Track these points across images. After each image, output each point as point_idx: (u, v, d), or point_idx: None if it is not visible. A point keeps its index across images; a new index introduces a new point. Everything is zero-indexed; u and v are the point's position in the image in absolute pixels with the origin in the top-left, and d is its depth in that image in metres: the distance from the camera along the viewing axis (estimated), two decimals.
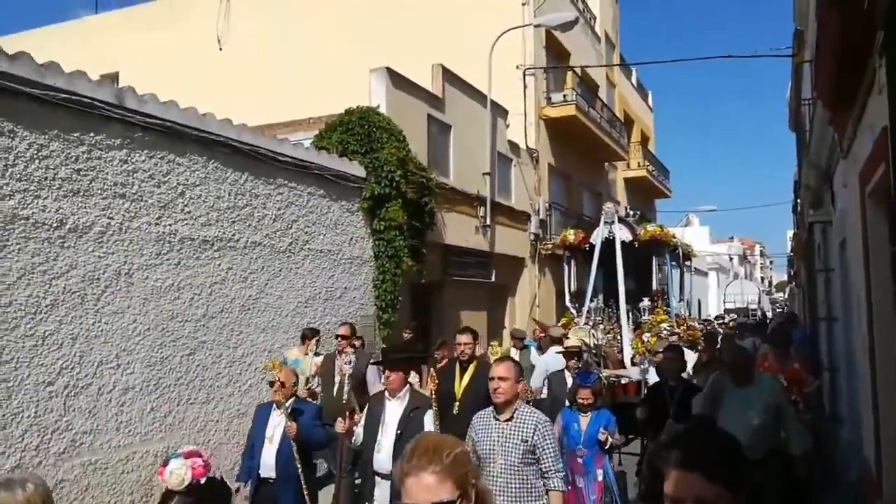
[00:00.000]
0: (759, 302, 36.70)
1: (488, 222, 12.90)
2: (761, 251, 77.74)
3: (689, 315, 14.41)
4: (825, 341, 9.19)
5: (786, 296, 48.63)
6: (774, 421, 5.07)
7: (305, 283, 8.36)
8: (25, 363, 5.22)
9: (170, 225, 6.51)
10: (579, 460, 5.39)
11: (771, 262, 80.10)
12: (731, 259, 51.79)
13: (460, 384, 5.73)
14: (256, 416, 5.12)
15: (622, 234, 11.62)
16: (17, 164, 5.24)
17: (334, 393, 6.79)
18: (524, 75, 15.59)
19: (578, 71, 17.86)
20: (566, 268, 13.21)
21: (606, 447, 5.42)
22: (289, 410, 4.85)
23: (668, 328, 10.77)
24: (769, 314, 31.21)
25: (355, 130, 9.47)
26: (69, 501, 5.41)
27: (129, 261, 6.09)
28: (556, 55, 17.46)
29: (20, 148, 5.27)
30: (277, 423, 4.85)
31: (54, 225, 5.48)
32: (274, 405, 4.92)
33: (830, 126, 5.72)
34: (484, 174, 12.88)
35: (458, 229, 12.01)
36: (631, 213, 12.75)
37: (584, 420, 5.48)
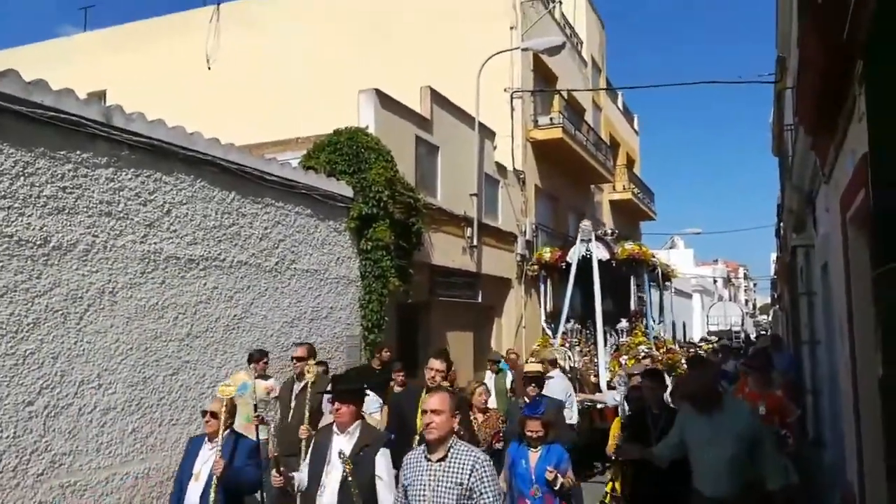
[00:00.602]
0: (743, 324, 36.91)
1: (475, 243, 12.94)
2: (745, 274, 78.39)
3: (669, 338, 14.10)
4: (808, 364, 9.26)
5: (769, 318, 48.98)
6: (748, 453, 4.47)
7: (291, 302, 8.32)
8: (5, 382, 5.14)
9: (155, 243, 6.48)
10: (528, 502, 4.83)
11: (755, 285, 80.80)
12: (715, 281, 52.17)
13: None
14: (187, 449, 4.66)
15: (599, 252, 11.36)
16: (1, 182, 5.20)
17: (289, 419, 6.32)
18: (512, 98, 15.74)
19: (565, 94, 18.06)
20: (542, 287, 12.95)
21: (556, 488, 4.75)
22: (219, 446, 4.38)
23: (645, 350, 10.40)
24: (752, 336, 31.34)
25: (343, 150, 9.50)
26: None
27: (114, 279, 6.04)
28: (544, 78, 17.66)
29: (6, 165, 5.23)
30: (206, 459, 4.38)
31: (38, 242, 5.43)
32: (206, 438, 4.48)
33: (812, 151, 5.81)
34: (471, 195, 12.94)
35: (446, 250, 12.02)
36: (609, 231, 12.39)
37: (534, 456, 4.91)
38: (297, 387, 6.45)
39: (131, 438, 6.07)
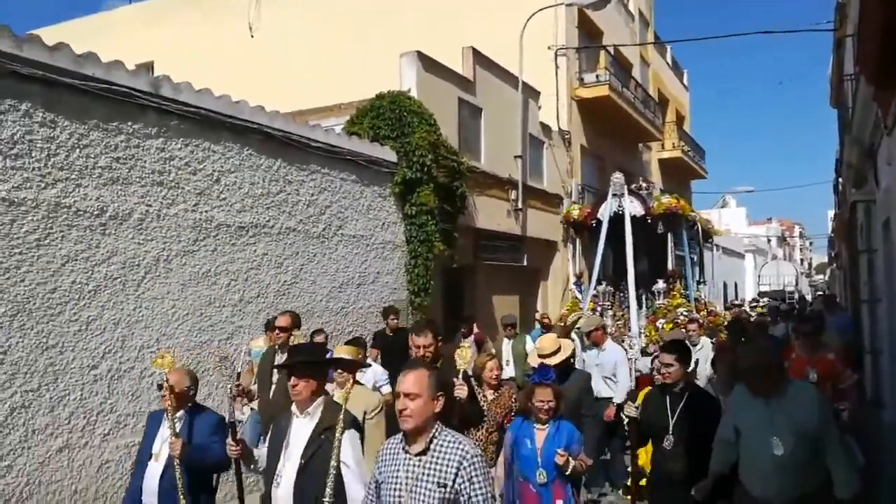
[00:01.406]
0: (797, 284, 35.77)
1: (520, 205, 12.83)
2: (801, 232, 76.09)
3: (711, 300, 12.74)
4: (868, 324, 8.98)
5: (826, 278, 47.56)
6: (811, 451, 3.64)
7: (339, 268, 8.44)
8: (70, 347, 5.38)
9: (206, 212, 6.62)
10: (533, 489, 4.07)
11: (811, 244, 78.38)
12: (768, 241, 50.83)
13: None
14: (147, 426, 4.11)
15: (632, 207, 10.30)
16: (58, 154, 5.37)
17: (270, 394, 5.59)
18: (556, 56, 15.39)
19: (611, 50, 17.56)
20: (570, 247, 12.07)
21: (567, 472, 4.03)
22: (176, 423, 3.88)
23: (685, 314, 9.45)
24: (808, 297, 30.38)
25: (386, 115, 9.48)
26: (114, 482, 5.59)
27: (168, 247, 6.21)
28: (589, 34, 17.18)
29: (61, 137, 5.40)
30: (166, 438, 3.88)
31: (95, 213, 5.62)
32: (165, 414, 3.93)
33: (874, 102, 5.54)
34: (515, 157, 12.79)
35: (490, 213, 11.97)
36: (644, 185, 11.16)
37: (541, 434, 4.13)
38: (280, 359, 5.59)
39: None
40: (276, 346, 5.87)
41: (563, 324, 10.10)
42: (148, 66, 14.70)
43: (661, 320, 9.62)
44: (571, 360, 5.89)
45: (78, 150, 5.51)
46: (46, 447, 5.16)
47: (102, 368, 5.60)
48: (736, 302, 22.98)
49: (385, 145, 9.33)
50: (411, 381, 2.84)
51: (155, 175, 6.13)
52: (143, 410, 5.83)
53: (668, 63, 25.69)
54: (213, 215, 6.70)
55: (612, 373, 7.15)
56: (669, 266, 10.48)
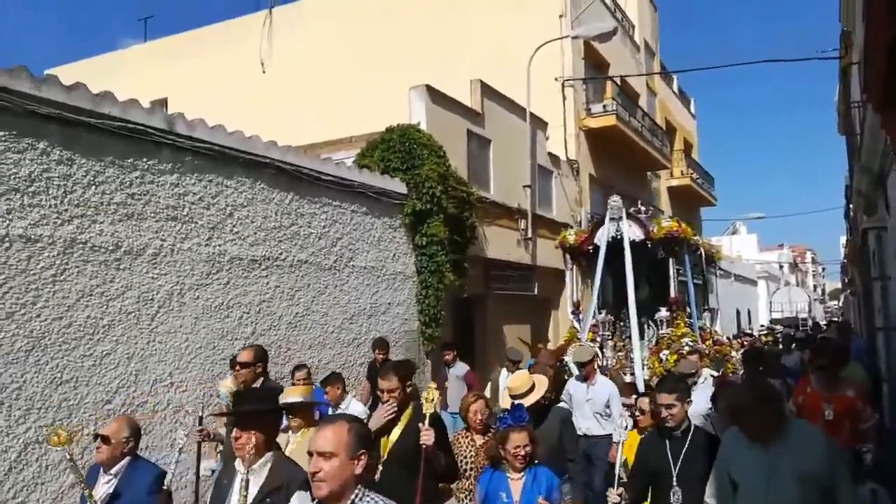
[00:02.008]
0: (810, 310, 35.27)
1: (530, 235, 12.86)
2: (813, 258, 75.59)
3: (718, 328, 11.74)
4: (884, 352, 8.88)
5: (840, 304, 47.09)
6: (820, 501, 3.14)
7: (350, 299, 8.46)
8: (84, 382, 5.41)
9: (219, 245, 6.69)
10: None
11: (823, 270, 77.80)
12: (781, 267, 50.50)
13: (387, 440, 3.90)
14: (85, 478, 3.71)
15: (632, 231, 9.57)
16: (75, 191, 5.46)
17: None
18: (563, 87, 15.55)
19: (618, 80, 17.73)
20: (567, 274, 11.11)
21: None
22: (111, 480, 3.59)
23: (689, 344, 8.71)
24: (822, 323, 29.99)
25: (396, 148, 9.59)
26: None
27: (181, 281, 6.27)
28: (596, 65, 17.37)
29: (77, 175, 5.49)
30: (102, 494, 3.58)
31: (110, 248, 5.69)
32: (101, 468, 3.63)
33: (882, 129, 5.56)
34: (524, 187, 12.87)
35: (500, 243, 12.00)
36: (643, 208, 10.26)
37: (517, 485, 3.64)
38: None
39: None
40: (241, 385, 5.10)
41: (545, 348, 9.88)
42: (162, 103, 14.98)
43: (665, 351, 8.82)
44: (547, 398, 5.16)
45: (94, 187, 5.60)
46: (59, 483, 5.16)
47: (116, 403, 5.62)
48: (746, 330, 22.33)
49: (395, 177, 9.42)
50: (325, 437, 2.38)
51: (169, 210, 6.21)
52: (156, 445, 5.84)
53: (674, 92, 25.87)
54: (226, 249, 6.76)
55: (605, 408, 6.57)
56: (672, 293, 9.66)
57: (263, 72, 17.93)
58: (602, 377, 6.94)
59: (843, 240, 35.64)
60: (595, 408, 6.53)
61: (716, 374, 7.60)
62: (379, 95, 13.74)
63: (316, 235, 7.99)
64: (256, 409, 3.16)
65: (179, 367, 6.17)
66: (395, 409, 3.82)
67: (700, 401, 5.66)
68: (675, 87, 25.99)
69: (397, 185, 9.38)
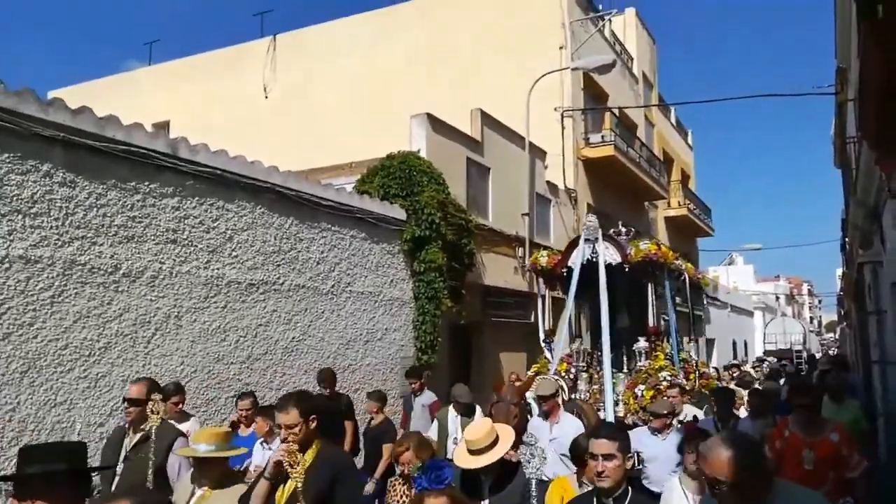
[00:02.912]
0: (805, 342, 35.06)
1: (527, 263, 12.89)
2: (809, 290, 75.73)
3: (700, 360, 10.56)
4: (880, 385, 8.88)
5: (836, 336, 47.05)
6: None
7: (347, 324, 8.46)
8: (78, 404, 5.39)
9: (218, 269, 6.71)
10: None
11: (820, 302, 77.90)
12: (777, 298, 50.54)
13: (282, 491, 3.20)
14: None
15: (608, 254, 8.78)
16: (76, 213, 5.49)
17: (113, 487, 4.19)
18: (562, 117, 15.72)
19: (616, 112, 17.94)
20: (539, 300, 9.96)
21: None
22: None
23: (668, 378, 7.90)
24: (818, 355, 29.85)
25: (396, 174, 9.66)
26: None
27: (179, 304, 6.27)
28: (595, 97, 17.58)
29: (80, 197, 5.53)
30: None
31: (109, 270, 5.70)
32: None
33: (877, 165, 5.64)
34: (523, 215, 12.94)
35: (498, 270, 12.03)
36: (623, 230, 9.38)
37: None
38: (131, 441, 4.26)
39: None
40: (127, 426, 4.36)
41: (511, 382, 8.50)
42: (164, 125, 15.09)
43: (641, 386, 8.02)
44: (512, 454, 4.04)
45: (95, 210, 5.64)
46: None
47: (109, 426, 5.57)
48: (734, 361, 20.62)
49: (394, 203, 9.47)
50: None
51: (169, 233, 6.24)
52: None
53: (672, 123, 26.15)
54: (224, 272, 6.78)
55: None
56: (650, 322, 8.86)
57: (266, 97, 18.11)
58: (567, 414, 5.97)
59: (839, 272, 35.73)
60: (561, 449, 5.45)
61: (699, 413, 6.76)
62: (379, 122, 13.88)
63: (314, 260, 8.01)
64: (47, 471, 2.39)
65: None
66: (295, 449, 3.13)
67: (673, 448, 4.95)
68: (672, 119, 26.27)
69: (396, 212, 9.43)
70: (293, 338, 7.60)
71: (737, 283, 44.77)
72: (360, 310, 8.71)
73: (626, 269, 8.67)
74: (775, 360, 23.12)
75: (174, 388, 5.64)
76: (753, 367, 19.27)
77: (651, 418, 5.78)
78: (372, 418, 6.77)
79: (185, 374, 6.27)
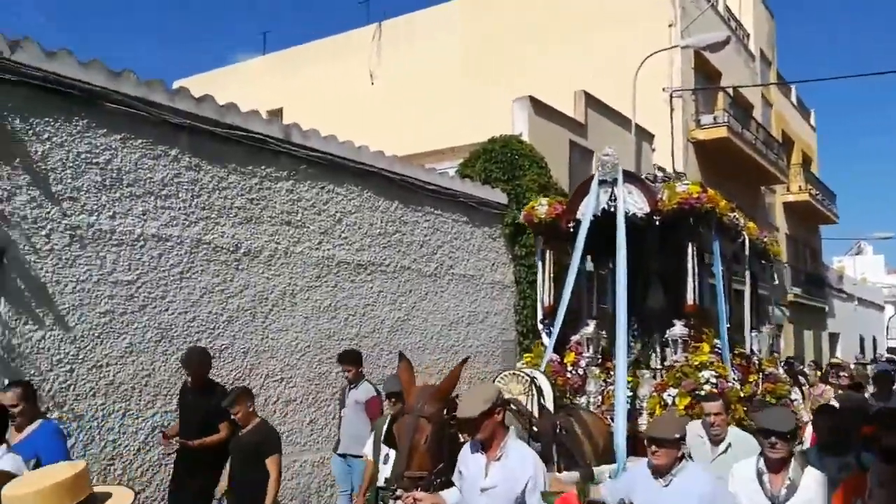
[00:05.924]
0: None
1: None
2: None
3: (770, 354, 7.31)
4: None
5: None
6: None
7: (450, 306, 8.60)
8: None
9: (328, 250, 7.01)
10: None
11: None
12: None
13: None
14: None
15: (632, 201, 6.04)
16: (201, 195, 5.90)
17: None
18: (671, 98, 15.15)
19: (730, 91, 17.07)
20: (539, 264, 7.14)
21: None
22: None
23: (713, 380, 5.54)
24: None
25: (498, 158, 9.67)
26: None
27: (293, 282, 6.61)
28: (706, 75, 16.80)
29: (204, 180, 5.93)
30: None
31: (231, 249, 6.10)
32: None
33: None
34: None
35: None
36: (655, 174, 6.95)
37: None
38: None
39: (308, 429, 6.61)
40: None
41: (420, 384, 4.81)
42: (277, 113, 15.80)
43: (672, 390, 5.71)
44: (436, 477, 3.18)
45: (218, 192, 6.03)
46: None
47: None
48: (836, 360, 13.84)
49: (496, 188, 9.50)
50: None
51: (284, 215, 6.58)
52: None
53: (792, 103, 24.54)
54: (334, 253, 7.07)
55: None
56: (689, 300, 6.03)
57: (372, 83, 18.56)
58: (518, 443, 3.47)
59: None
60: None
61: (750, 441, 4.16)
62: (482, 106, 13.90)
63: (418, 243, 8.19)
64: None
65: (290, 364, 6.51)
66: None
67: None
68: (793, 98, 24.65)
69: (498, 196, 9.46)
70: (398, 318, 7.83)
71: (865, 274, 41.53)
72: (463, 292, 8.83)
73: (658, 223, 6.00)
74: (885, 359, 18.37)
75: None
76: (857, 367, 13.25)
77: (651, 446, 3.44)
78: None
79: (300, 348, 6.62)
